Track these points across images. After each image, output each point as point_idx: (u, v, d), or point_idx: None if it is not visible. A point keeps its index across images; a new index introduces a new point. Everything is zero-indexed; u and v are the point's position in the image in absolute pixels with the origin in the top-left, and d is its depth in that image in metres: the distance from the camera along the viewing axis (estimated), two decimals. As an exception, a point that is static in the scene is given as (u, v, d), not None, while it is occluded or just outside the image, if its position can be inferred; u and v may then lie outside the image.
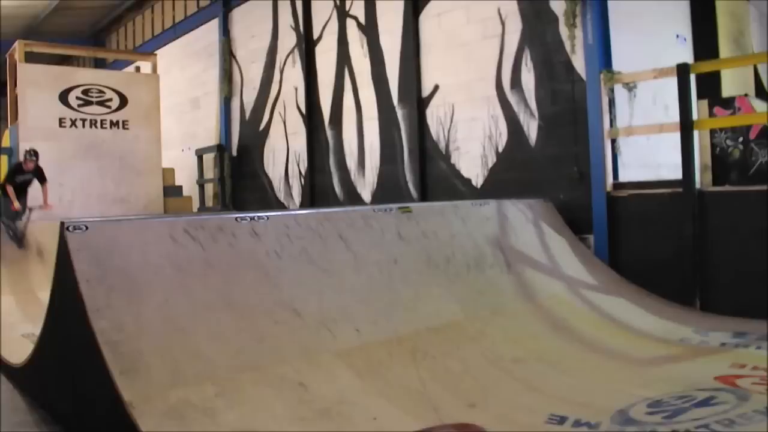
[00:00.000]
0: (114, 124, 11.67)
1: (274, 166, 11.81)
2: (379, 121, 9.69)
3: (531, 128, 7.67)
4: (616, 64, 6.93)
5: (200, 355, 3.45)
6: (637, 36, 7.49)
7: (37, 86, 11.00)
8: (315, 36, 10.85)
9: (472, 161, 8.34)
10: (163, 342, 3.41)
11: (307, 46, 10.93)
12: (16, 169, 9.00)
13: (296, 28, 11.21)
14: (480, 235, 5.93)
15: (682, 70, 6.30)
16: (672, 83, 6.37)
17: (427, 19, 8.96)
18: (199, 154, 13.26)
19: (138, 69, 14.19)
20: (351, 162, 10.21)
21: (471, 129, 8.34)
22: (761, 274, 5.54)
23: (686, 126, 6.23)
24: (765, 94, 8.40)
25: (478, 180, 8.28)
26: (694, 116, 6.37)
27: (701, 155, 6.71)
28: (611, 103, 6.90)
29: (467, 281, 5.36)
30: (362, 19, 9.94)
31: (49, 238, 8.04)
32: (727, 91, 8.18)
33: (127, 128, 11.78)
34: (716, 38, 8.61)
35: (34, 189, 9.16)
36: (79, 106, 11.38)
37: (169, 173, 12.73)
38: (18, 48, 11.15)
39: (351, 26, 10.14)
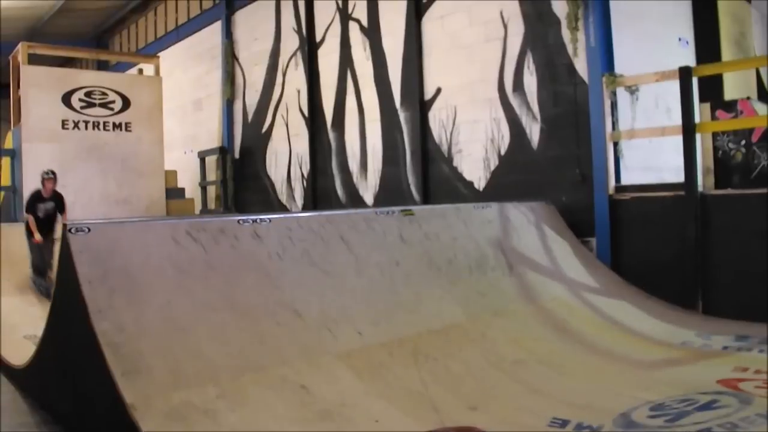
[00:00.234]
0: (117, 126, 11.69)
1: (277, 169, 11.82)
2: (382, 123, 9.70)
3: (533, 131, 7.67)
4: (618, 67, 6.93)
5: (202, 357, 3.45)
6: (639, 39, 7.49)
7: (40, 88, 11.02)
8: (318, 38, 10.87)
9: (474, 164, 8.34)
10: (165, 343, 3.41)
11: (309, 48, 10.95)
12: (35, 198, 8.18)
13: (299, 31, 11.23)
14: (482, 237, 5.93)
15: (685, 73, 6.30)
16: (674, 86, 6.37)
17: (429, 22, 8.97)
18: (202, 157, 13.29)
19: (141, 71, 14.21)
20: (353, 164, 10.22)
21: (473, 131, 8.35)
22: (763, 277, 5.53)
23: (688, 129, 6.23)
24: (767, 97, 8.38)
25: (480, 182, 8.28)
26: (697, 119, 6.36)
27: (703, 158, 6.69)
28: (613, 105, 6.90)
29: (469, 283, 5.36)
30: (365, 22, 9.95)
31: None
32: (729, 94, 8.17)
33: (130, 130, 11.80)
34: (718, 41, 8.61)
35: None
36: (81, 108, 11.40)
37: (171, 175, 12.74)
38: (21, 50, 11.18)
39: (353, 29, 10.16)
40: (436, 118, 8.86)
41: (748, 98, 7.26)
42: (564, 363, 4.54)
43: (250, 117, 12.47)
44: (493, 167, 8.13)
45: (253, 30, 12.38)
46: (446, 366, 4.20)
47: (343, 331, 4.14)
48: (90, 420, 3.58)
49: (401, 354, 4.17)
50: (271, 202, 11.87)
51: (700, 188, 6.32)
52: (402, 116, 9.34)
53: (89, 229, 3.58)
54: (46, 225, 8.10)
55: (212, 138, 13.54)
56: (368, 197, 9.96)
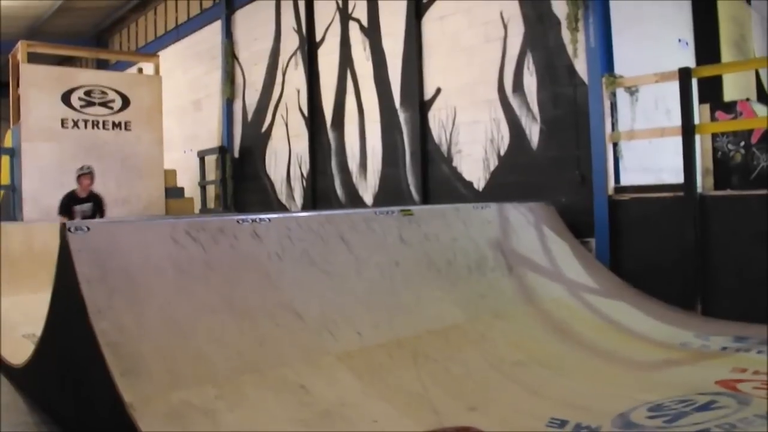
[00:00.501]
0: (116, 125, 11.68)
1: (276, 168, 11.82)
2: (381, 123, 9.70)
3: (533, 132, 7.68)
4: (618, 68, 6.93)
5: (201, 357, 3.45)
6: (639, 40, 7.50)
7: (40, 87, 11.01)
8: (317, 38, 10.87)
9: (474, 164, 8.34)
10: (164, 343, 3.41)
11: (309, 48, 10.95)
12: (70, 198, 7.49)
13: (299, 31, 11.23)
14: (481, 238, 5.93)
15: (684, 74, 6.30)
16: (674, 87, 6.37)
17: (429, 22, 8.97)
18: (201, 156, 13.28)
19: (140, 70, 14.21)
20: (353, 164, 10.22)
21: (473, 132, 8.35)
22: (762, 278, 5.54)
23: (688, 130, 6.23)
24: (767, 99, 8.39)
25: (479, 183, 8.28)
26: (696, 120, 6.36)
27: (703, 159, 6.70)
28: (613, 106, 6.90)
29: (468, 284, 5.36)
30: (365, 22, 9.95)
31: (50, 238, 8.05)
32: (728, 95, 8.18)
33: (129, 129, 11.78)
34: (718, 42, 8.63)
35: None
36: (81, 107, 11.39)
37: (170, 175, 12.73)
38: (20, 48, 11.17)
39: (353, 29, 10.16)
40: (435, 118, 8.86)
41: (748, 99, 7.28)
42: (563, 364, 4.54)
43: (249, 117, 12.47)
44: (492, 168, 8.14)
45: (253, 29, 12.37)
46: (446, 367, 4.20)
47: (342, 331, 4.14)
48: (89, 420, 3.58)
49: (401, 355, 4.17)
50: (270, 202, 11.87)
51: (699, 189, 6.32)
52: (402, 116, 9.34)
53: (88, 229, 3.58)
54: None
55: (212, 137, 13.53)
56: (368, 197, 9.96)
